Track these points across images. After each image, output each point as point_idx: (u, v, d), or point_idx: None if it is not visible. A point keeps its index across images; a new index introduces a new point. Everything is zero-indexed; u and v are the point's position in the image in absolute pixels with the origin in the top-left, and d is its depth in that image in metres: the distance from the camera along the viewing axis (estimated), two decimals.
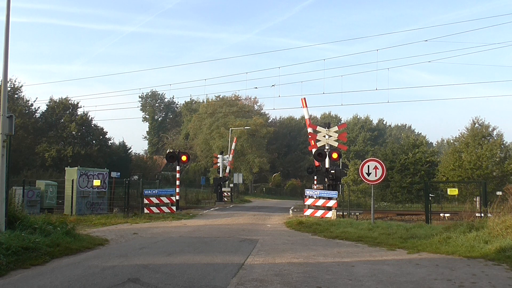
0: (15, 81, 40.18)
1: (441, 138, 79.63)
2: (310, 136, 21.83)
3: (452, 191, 18.87)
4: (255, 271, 7.72)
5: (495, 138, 36.97)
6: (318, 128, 21.85)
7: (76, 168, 22.13)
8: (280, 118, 75.90)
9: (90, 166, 29.73)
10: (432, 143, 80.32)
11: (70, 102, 43.34)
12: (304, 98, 23.06)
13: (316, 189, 21.09)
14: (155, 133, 76.25)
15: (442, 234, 11.35)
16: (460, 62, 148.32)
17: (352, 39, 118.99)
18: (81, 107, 43.92)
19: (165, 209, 20.02)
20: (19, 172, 32.60)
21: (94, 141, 43.47)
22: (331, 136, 21.11)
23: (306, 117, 23.01)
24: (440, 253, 9.82)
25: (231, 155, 39.51)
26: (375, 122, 76.15)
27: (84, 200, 21.32)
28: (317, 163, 21.26)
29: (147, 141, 78.69)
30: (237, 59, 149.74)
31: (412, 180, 38.28)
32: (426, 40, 33.70)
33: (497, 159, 35.74)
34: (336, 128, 21.70)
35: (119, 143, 51.22)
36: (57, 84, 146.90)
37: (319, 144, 21.29)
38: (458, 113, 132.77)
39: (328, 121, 29.43)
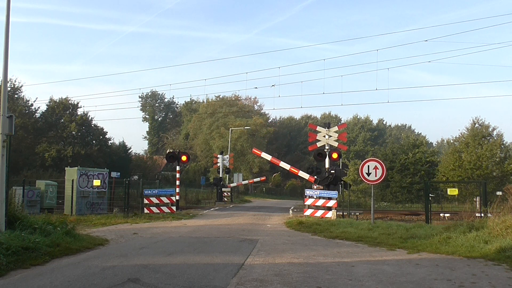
0: (15, 81, 40.20)
1: (441, 138, 79.75)
2: (289, 168, 22.94)
3: (452, 191, 18.86)
4: (255, 271, 7.72)
5: (495, 138, 36.93)
6: (318, 128, 21.86)
7: (76, 168, 22.12)
8: (280, 118, 75.88)
9: (90, 166, 29.71)
10: (432, 143, 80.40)
11: (70, 102, 43.30)
12: (255, 149, 26.62)
13: (316, 189, 21.03)
14: (155, 133, 76.21)
15: (442, 234, 11.35)
16: (460, 62, 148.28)
17: (352, 39, 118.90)
18: (81, 107, 43.97)
19: (165, 209, 20.02)
20: (19, 172, 32.56)
21: (94, 141, 43.42)
22: (331, 136, 21.11)
23: (269, 159, 24.42)
24: (440, 253, 9.82)
25: (249, 182, 44.32)
26: (375, 122, 76.14)
27: (84, 200, 21.32)
28: (311, 179, 21.39)
29: (147, 141, 78.74)
30: (237, 59, 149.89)
31: (412, 180, 38.27)
32: (426, 40, 33.75)
33: (497, 159, 35.70)
34: (336, 128, 21.70)
35: (119, 143, 51.24)
36: (57, 84, 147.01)
37: (319, 144, 21.30)
38: (458, 113, 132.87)
39: (328, 121, 29.46)
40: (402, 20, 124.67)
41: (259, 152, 25.17)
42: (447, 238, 10.89)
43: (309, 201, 19.59)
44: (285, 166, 22.96)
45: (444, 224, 14.88)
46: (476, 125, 38.29)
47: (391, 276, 7.38)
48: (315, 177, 21.10)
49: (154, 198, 19.93)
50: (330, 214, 18.62)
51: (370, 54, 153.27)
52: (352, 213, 20.45)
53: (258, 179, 43.42)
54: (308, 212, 19.39)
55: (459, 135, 39.56)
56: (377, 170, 15.68)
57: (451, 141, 41.35)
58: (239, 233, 13.87)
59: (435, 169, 39.35)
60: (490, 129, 37.49)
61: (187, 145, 62.85)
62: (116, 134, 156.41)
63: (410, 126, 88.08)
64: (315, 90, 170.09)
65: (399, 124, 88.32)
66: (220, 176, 36.84)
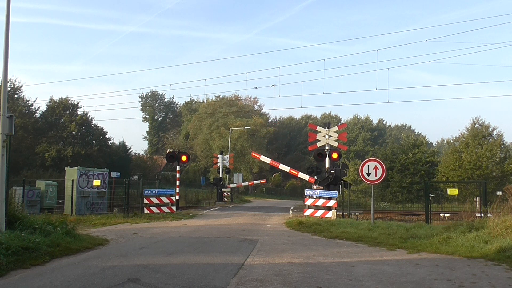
0: (15, 81, 40.20)
1: (441, 138, 79.79)
2: (289, 170, 22.92)
3: (452, 191, 18.86)
4: (255, 271, 7.72)
5: (495, 138, 36.95)
6: (318, 128, 21.86)
7: (76, 168, 22.11)
8: (280, 118, 75.97)
9: (90, 166, 29.70)
10: (432, 143, 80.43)
11: (70, 102, 43.31)
12: (254, 152, 27.43)
13: (316, 189, 21.03)
14: (155, 133, 76.22)
15: (442, 234, 11.34)
16: (460, 62, 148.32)
17: (352, 39, 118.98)
18: (81, 107, 43.96)
19: (165, 209, 20.02)
20: (19, 172, 32.56)
21: (94, 141, 43.43)
22: (331, 136, 21.10)
23: (268, 161, 24.66)
24: (440, 253, 9.82)
25: (249, 183, 43.84)
26: (375, 122, 76.21)
27: (84, 200, 21.31)
28: (311, 180, 21.39)
29: (147, 141, 78.76)
30: (237, 59, 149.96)
31: (412, 180, 38.28)
32: (426, 40, 33.72)
33: (497, 159, 35.72)
34: (336, 128, 21.69)
35: (119, 143, 51.23)
36: (57, 84, 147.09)
37: (319, 144, 21.30)
38: (458, 113, 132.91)
39: (328, 121, 29.46)
40: (402, 20, 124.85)
41: (258, 156, 25.20)
42: (447, 238, 10.88)
43: (309, 201, 19.59)
44: (285, 168, 22.94)
45: (444, 224, 14.88)
46: (476, 125, 38.32)
47: (391, 276, 7.38)
48: (315, 177, 21.10)
49: (154, 198, 19.93)
50: (330, 214, 18.62)
51: (370, 54, 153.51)
52: (352, 213, 20.44)
53: (258, 181, 43.39)
54: (308, 212, 19.39)
55: (459, 135, 39.66)
56: (377, 170, 15.68)
57: (451, 141, 41.38)
58: (239, 233, 13.87)
59: (435, 169, 39.37)
60: (490, 129, 37.53)
61: (187, 145, 62.84)
62: (116, 134, 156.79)
63: (410, 126, 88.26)
64: (315, 90, 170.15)
65: (399, 124, 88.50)
66: (220, 176, 36.83)
